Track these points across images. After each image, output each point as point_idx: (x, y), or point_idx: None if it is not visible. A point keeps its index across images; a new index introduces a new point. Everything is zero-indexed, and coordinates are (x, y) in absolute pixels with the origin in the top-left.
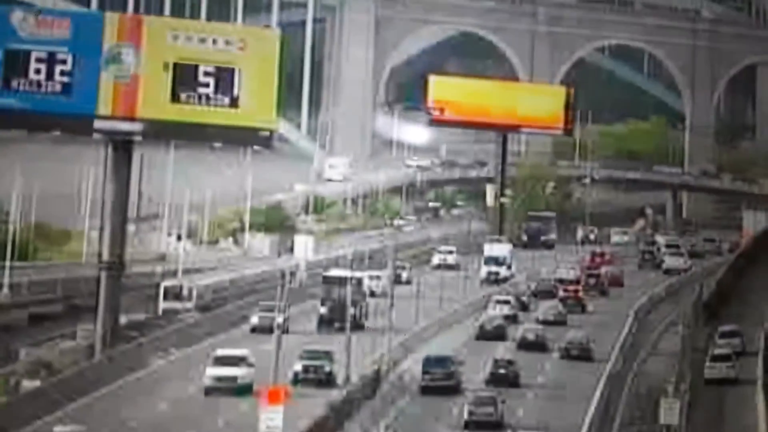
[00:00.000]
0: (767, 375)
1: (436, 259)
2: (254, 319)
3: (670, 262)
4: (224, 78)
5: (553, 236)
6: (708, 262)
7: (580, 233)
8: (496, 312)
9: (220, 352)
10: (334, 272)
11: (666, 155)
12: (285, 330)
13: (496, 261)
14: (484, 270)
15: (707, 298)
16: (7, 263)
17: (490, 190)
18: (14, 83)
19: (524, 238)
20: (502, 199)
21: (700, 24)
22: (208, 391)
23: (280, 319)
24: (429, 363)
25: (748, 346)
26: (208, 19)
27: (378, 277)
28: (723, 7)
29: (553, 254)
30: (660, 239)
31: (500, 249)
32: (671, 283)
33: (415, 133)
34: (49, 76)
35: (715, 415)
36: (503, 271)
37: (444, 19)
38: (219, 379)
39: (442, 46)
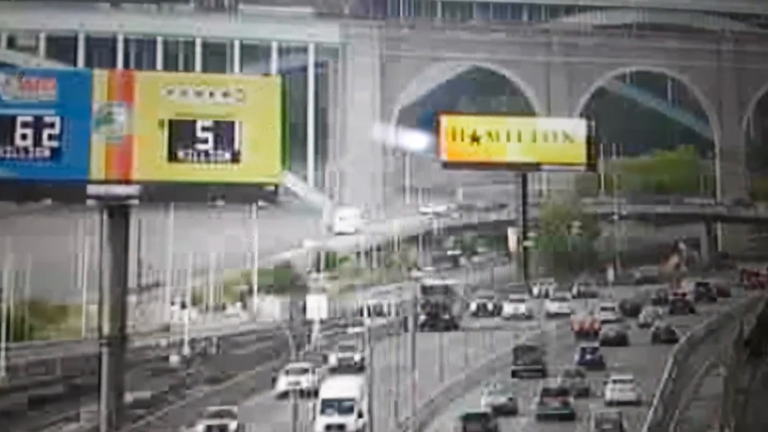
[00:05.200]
0: None
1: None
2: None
3: None
4: (224, 132)
5: (456, 311)
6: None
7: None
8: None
9: None
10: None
11: (697, 185)
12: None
13: (340, 406)
14: (321, 423)
15: (748, 334)
16: (3, 344)
17: (512, 234)
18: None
19: (421, 318)
20: (526, 243)
21: (724, 44)
22: None
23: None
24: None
25: None
26: (204, 70)
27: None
28: (746, 25)
29: (462, 337)
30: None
31: (347, 385)
32: None
33: None
34: (37, 141)
35: None
36: (351, 424)
37: (453, 56)
38: None
39: (452, 84)
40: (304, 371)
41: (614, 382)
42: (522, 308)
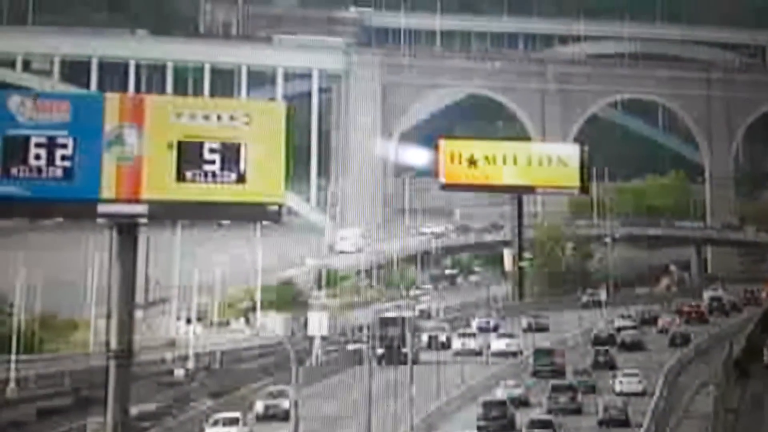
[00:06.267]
0: None
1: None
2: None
3: None
4: (230, 154)
5: (413, 344)
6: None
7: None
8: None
9: None
10: None
11: (687, 209)
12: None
13: None
14: None
15: (738, 355)
16: (13, 357)
17: (507, 254)
18: (14, 170)
19: (378, 351)
20: (521, 263)
21: (714, 73)
22: None
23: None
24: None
25: None
26: (212, 95)
27: None
28: (736, 54)
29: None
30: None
31: None
32: None
33: None
34: (50, 161)
35: None
36: None
37: (452, 83)
38: None
39: (450, 109)
40: (234, 421)
41: (623, 375)
42: (471, 343)
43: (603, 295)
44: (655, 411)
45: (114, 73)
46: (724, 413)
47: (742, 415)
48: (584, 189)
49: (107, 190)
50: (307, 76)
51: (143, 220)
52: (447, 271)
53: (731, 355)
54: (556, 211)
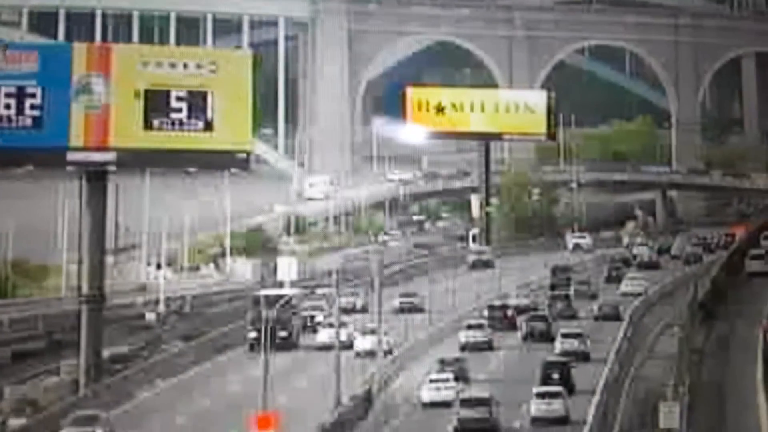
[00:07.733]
0: (767, 373)
1: None
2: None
3: None
4: (197, 102)
5: (295, 326)
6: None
7: None
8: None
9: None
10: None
11: (653, 155)
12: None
13: None
14: None
15: (703, 297)
16: None
17: (475, 200)
18: None
19: (250, 335)
20: (488, 209)
21: (681, 19)
22: None
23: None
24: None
25: (743, 345)
26: (178, 43)
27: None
28: (704, 0)
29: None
30: None
31: None
32: None
33: None
34: (19, 110)
35: (716, 417)
36: None
37: (419, 30)
38: None
39: (418, 56)
40: None
41: (629, 278)
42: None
43: (569, 239)
44: (618, 352)
45: (81, 24)
46: (689, 354)
47: (707, 355)
48: (551, 135)
49: (76, 139)
50: (273, 23)
51: (112, 168)
52: (415, 217)
53: (696, 297)
54: (523, 158)
